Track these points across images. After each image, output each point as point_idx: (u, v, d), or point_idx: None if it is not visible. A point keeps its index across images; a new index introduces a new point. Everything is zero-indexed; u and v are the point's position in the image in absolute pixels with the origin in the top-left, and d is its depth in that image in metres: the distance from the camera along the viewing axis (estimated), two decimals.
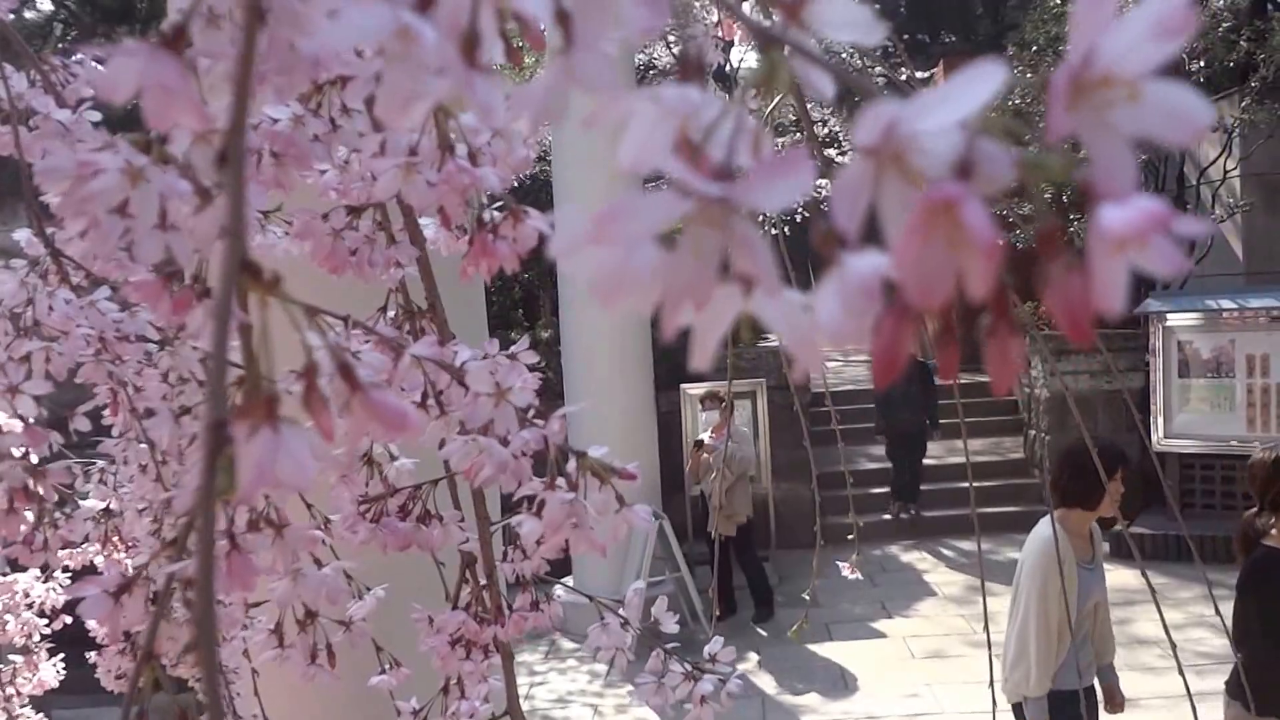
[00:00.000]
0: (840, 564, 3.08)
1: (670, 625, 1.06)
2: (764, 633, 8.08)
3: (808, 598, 2.81)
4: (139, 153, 0.52)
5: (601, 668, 7.42)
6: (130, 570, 0.84)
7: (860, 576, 2.98)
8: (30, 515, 0.87)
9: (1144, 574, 1.94)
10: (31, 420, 0.88)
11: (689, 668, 1.04)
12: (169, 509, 1.05)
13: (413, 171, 0.67)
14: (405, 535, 0.90)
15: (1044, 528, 3.89)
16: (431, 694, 1.06)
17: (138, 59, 0.40)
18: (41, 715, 1.91)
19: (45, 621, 1.80)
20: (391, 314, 1.03)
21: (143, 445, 1.01)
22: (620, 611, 1.04)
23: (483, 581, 0.98)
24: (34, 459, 0.91)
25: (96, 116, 1.08)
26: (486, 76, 0.34)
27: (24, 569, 1.87)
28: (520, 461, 0.78)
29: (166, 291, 0.69)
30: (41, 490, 0.86)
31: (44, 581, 1.78)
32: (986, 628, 2.28)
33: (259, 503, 0.78)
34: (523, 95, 0.36)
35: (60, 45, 11.82)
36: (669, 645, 1.04)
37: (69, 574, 1.81)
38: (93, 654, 1.89)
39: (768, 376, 9.66)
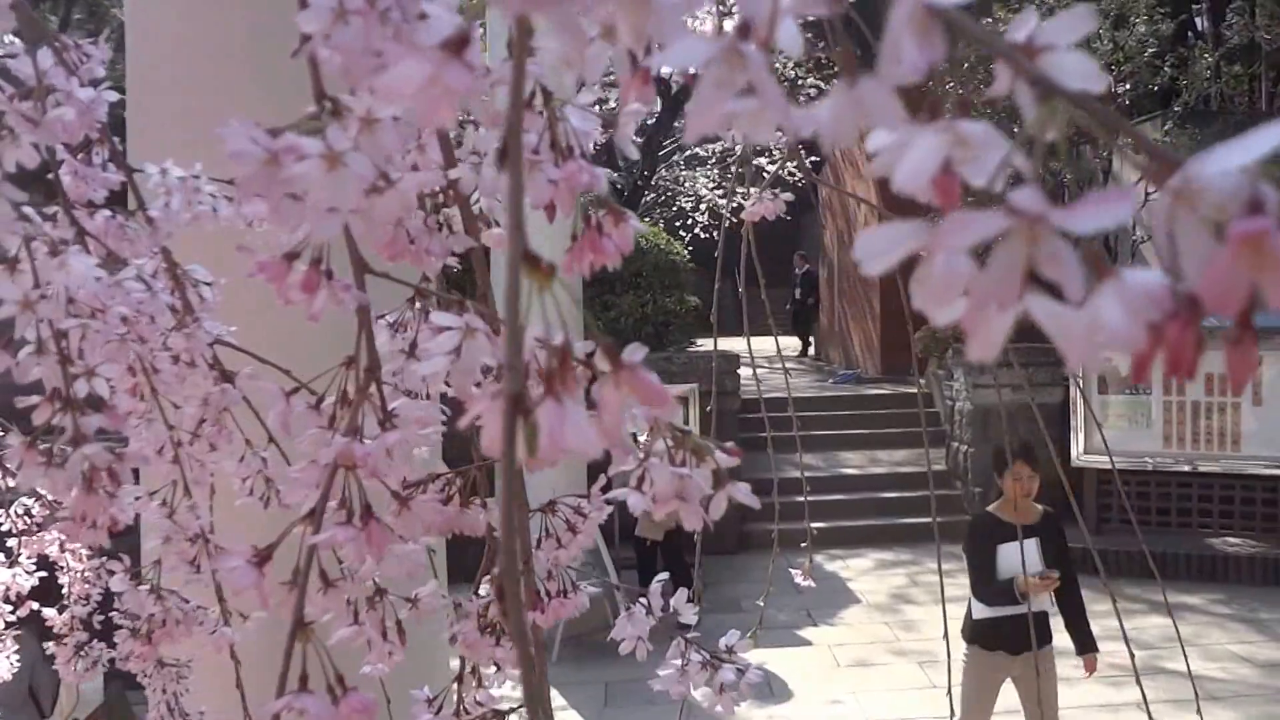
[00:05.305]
0: (792, 570, 3.11)
1: (689, 616, 1.06)
2: None
3: (761, 604, 2.87)
4: (343, 137, 0.52)
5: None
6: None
7: (813, 584, 3.01)
8: (111, 494, 0.86)
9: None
10: (109, 399, 0.87)
11: (708, 656, 1.04)
12: (187, 494, 1.03)
13: (536, 168, 0.67)
14: (449, 519, 0.89)
15: None
16: (436, 687, 1.06)
17: (429, 65, 0.42)
18: None
19: (11, 609, 1.75)
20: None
21: (160, 427, 1.00)
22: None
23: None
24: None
25: (114, 97, 1.06)
26: (785, 98, 0.39)
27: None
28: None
29: (290, 272, 0.68)
30: (116, 471, 0.85)
31: (9, 567, 1.73)
32: (946, 635, 2.32)
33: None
34: (811, 118, 0.39)
35: None
36: (689, 635, 1.04)
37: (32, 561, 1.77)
38: (50, 645, 1.84)
39: (699, 382, 9.70)
